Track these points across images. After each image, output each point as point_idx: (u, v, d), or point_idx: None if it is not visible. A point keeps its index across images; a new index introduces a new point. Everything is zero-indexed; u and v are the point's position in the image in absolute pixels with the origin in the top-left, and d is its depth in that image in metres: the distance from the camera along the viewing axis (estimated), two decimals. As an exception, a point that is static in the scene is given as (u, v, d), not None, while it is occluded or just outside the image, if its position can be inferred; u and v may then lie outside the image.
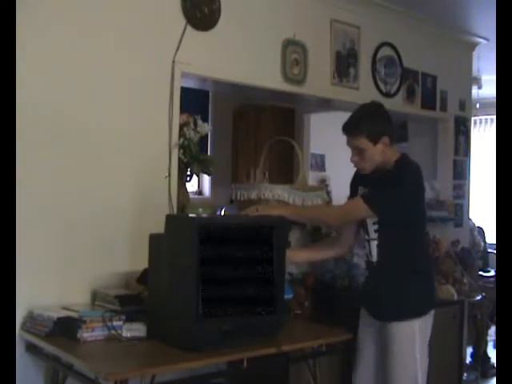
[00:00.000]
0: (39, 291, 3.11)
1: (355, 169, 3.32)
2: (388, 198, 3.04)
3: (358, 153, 3.11)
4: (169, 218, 2.91)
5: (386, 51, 5.14)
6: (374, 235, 3.15)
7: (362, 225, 3.23)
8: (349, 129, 3.10)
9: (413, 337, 3.05)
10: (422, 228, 3.27)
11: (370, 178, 3.19)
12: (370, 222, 3.15)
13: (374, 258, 3.16)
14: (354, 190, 3.33)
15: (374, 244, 3.15)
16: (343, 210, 3.24)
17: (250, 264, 2.85)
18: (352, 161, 3.17)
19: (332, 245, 3.52)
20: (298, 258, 3.42)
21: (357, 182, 3.35)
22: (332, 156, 7.24)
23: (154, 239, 2.96)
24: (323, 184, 6.45)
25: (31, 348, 3.01)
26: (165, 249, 2.83)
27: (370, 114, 3.14)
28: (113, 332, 2.85)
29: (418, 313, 3.09)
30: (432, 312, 3.20)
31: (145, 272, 3.22)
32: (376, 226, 3.13)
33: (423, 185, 3.15)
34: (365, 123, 3.08)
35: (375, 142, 3.06)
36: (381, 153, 3.09)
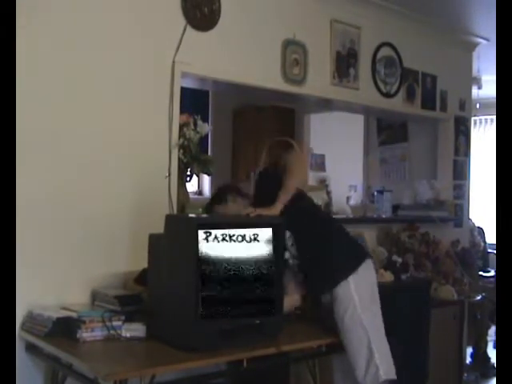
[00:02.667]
0: (39, 291, 3.11)
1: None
2: None
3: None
4: (168, 217, 2.91)
5: (385, 51, 5.14)
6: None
7: None
8: None
9: (350, 295, 3.11)
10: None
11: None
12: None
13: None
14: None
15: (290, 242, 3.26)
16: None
17: (250, 264, 2.84)
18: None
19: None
20: (296, 302, 3.40)
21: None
22: (332, 156, 7.24)
23: (153, 239, 2.96)
24: (323, 184, 6.45)
25: (31, 348, 3.01)
26: (164, 249, 2.83)
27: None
28: (112, 332, 2.85)
29: (346, 272, 3.14)
30: (361, 269, 3.19)
31: (143, 272, 3.22)
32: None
33: None
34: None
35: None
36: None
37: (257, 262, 2.87)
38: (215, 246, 2.75)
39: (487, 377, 5.56)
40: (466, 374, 5.22)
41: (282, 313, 2.98)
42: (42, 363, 3.08)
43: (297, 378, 3.65)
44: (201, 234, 2.71)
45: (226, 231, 2.80)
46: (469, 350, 5.67)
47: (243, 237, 2.84)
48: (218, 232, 2.76)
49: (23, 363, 3.03)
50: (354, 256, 3.27)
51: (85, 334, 2.81)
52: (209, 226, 2.78)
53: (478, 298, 5.25)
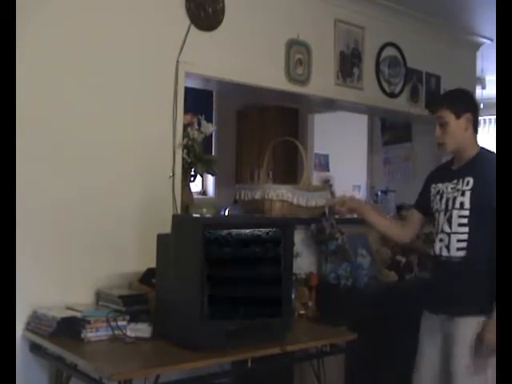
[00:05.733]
0: (43, 291, 3.11)
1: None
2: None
3: (440, 126, 3.09)
4: (175, 217, 2.91)
5: (389, 51, 5.13)
6: (456, 228, 3.02)
7: (435, 218, 3.14)
8: (433, 101, 3.14)
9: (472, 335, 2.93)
10: None
11: (449, 171, 3.20)
12: (456, 214, 3.02)
13: (453, 252, 3.02)
14: (426, 188, 3.31)
15: (455, 238, 3.02)
16: None
17: (257, 264, 2.84)
18: (436, 135, 3.12)
19: (400, 227, 3.46)
20: (370, 217, 3.34)
21: (430, 180, 3.32)
22: (336, 156, 7.25)
23: (161, 239, 2.97)
24: (327, 184, 6.45)
25: (35, 348, 3.01)
26: (171, 249, 2.83)
27: (454, 91, 3.26)
28: (117, 332, 2.85)
29: (487, 309, 2.89)
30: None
31: (147, 272, 3.22)
32: (465, 220, 3.01)
33: None
34: (448, 97, 3.24)
35: (458, 115, 3.05)
36: (464, 130, 3.06)
37: (265, 262, 2.87)
38: (222, 246, 2.75)
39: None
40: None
41: (290, 314, 2.97)
42: (46, 363, 3.07)
43: (301, 378, 3.65)
44: (207, 234, 2.71)
45: (234, 231, 2.79)
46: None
47: (251, 237, 2.84)
48: (225, 232, 2.76)
49: (27, 363, 3.03)
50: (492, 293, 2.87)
51: (89, 334, 2.81)
52: (215, 226, 2.78)
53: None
